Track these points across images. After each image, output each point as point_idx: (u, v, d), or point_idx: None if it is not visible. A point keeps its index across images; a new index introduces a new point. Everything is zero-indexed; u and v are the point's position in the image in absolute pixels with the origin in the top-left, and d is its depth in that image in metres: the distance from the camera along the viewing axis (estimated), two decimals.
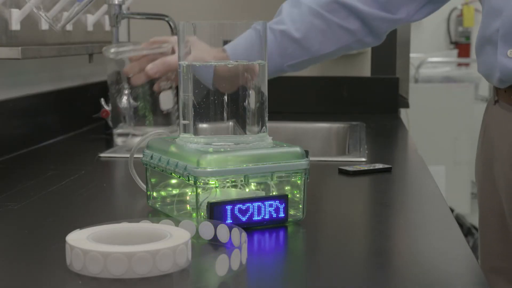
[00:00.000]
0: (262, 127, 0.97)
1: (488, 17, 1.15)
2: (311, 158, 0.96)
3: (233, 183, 0.91)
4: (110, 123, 1.56)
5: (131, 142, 1.35)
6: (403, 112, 2.40)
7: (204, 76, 0.96)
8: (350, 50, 1.21)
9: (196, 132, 0.96)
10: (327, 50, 1.16)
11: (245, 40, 1.04)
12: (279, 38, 1.12)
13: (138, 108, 1.38)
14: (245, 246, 0.78)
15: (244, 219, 0.90)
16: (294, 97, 2.22)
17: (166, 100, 1.35)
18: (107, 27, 2.03)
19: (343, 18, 1.15)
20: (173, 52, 1.30)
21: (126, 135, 1.39)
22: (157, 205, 1.02)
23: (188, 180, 0.90)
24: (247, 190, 0.95)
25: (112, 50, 1.35)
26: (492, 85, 1.24)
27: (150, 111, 1.38)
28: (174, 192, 1.00)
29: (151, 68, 1.24)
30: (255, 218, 0.91)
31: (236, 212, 0.90)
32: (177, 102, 1.37)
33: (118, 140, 1.37)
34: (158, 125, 1.38)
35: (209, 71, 0.96)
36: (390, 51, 2.30)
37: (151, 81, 1.33)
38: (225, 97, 0.95)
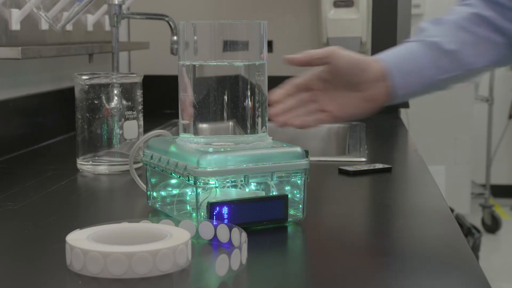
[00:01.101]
0: (262, 127, 0.97)
1: None
2: (311, 158, 0.96)
3: (233, 183, 0.91)
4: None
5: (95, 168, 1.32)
6: (403, 112, 2.40)
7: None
8: (501, 65, 1.15)
9: (196, 132, 0.96)
10: (480, 64, 1.10)
11: (405, 52, 1.05)
12: (430, 49, 1.07)
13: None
14: (245, 246, 0.78)
15: (244, 219, 0.90)
16: None
17: (130, 130, 1.32)
18: (107, 27, 2.03)
19: (489, 31, 1.10)
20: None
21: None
22: (157, 205, 1.02)
23: (188, 180, 0.90)
24: (247, 190, 0.95)
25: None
26: None
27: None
28: (174, 192, 1.00)
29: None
30: (255, 218, 0.91)
31: (236, 212, 0.89)
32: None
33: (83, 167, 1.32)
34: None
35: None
36: None
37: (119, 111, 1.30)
38: (225, 97, 0.95)
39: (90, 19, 1.91)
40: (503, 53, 1.10)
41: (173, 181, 0.99)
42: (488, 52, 1.09)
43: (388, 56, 1.06)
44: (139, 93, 1.34)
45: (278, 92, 1.04)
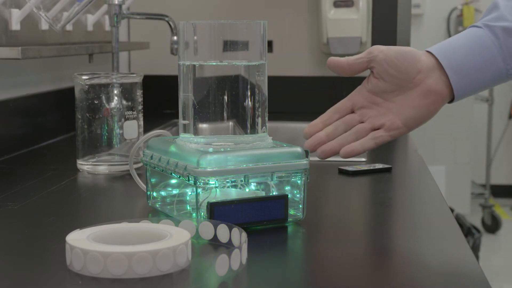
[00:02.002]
0: (262, 127, 0.97)
1: None
2: (311, 158, 0.96)
3: (233, 183, 0.91)
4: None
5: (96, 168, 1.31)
6: None
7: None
8: None
9: (196, 132, 0.97)
10: None
11: (464, 41, 0.92)
12: (502, 37, 0.92)
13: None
14: (245, 246, 0.78)
15: (244, 219, 0.90)
16: (294, 97, 2.22)
17: (130, 130, 1.32)
18: (107, 27, 2.03)
19: None
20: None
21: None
22: (157, 205, 1.02)
23: (188, 180, 0.90)
24: (247, 190, 0.95)
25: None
26: None
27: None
28: (174, 192, 1.00)
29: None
30: (255, 218, 0.91)
31: (236, 212, 0.89)
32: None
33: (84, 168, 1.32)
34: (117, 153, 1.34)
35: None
36: None
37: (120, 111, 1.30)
38: (225, 97, 0.95)
39: (90, 19, 1.91)
40: None
41: (173, 181, 0.99)
42: None
43: (441, 49, 0.94)
44: (139, 93, 1.34)
45: (314, 122, 0.94)
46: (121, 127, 1.31)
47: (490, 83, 0.95)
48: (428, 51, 0.94)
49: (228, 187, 0.91)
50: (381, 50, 0.93)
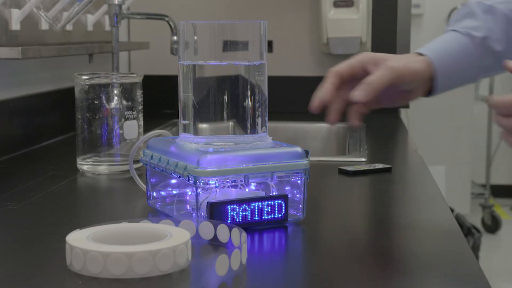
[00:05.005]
0: (262, 127, 0.97)
1: None
2: (311, 158, 0.96)
3: (233, 183, 0.91)
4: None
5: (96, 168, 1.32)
6: (403, 112, 2.41)
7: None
8: None
9: (196, 132, 0.97)
10: None
11: (452, 49, 1.01)
12: (478, 45, 1.01)
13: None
14: (245, 246, 0.78)
15: (244, 219, 0.90)
16: (294, 97, 2.22)
17: (130, 130, 1.32)
18: (107, 27, 2.03)
19: None
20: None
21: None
22: (157, 205, 1.02)
23: (188, 180, 0.90)
24: (247, 190, 0.95)
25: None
26: None
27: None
28: (174, 192, 1.00)
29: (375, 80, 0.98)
30: (255, 218, 0.91)
31: (236, 212, 0.90)
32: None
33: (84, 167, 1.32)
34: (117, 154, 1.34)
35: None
36: (390, 51, 2.29)
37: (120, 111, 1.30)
38: (225, 97, 0.95)
39: (90, 19, 1.91)
40: None
41: (173, 181, 0.99)
42: None
43: (437, 55, 1.01)
44: (139, 93, 1.34)
45: (326, 90, 0.99)
46: (121, 127, 1.31)
47: (461, 84, 1.05)
48: (431, 60, 1.01)
49: (228, 187, 0.91)
50: (405, 78, 0.99)
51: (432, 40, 1.05)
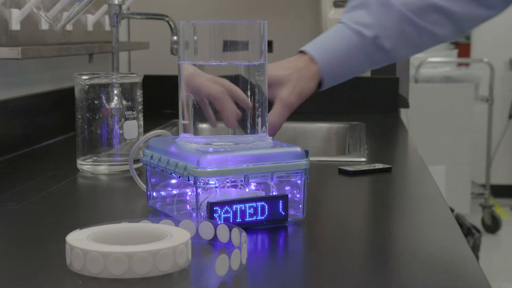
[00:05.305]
0: (262, 127, 0.97)
1: None
2: (311, 158, 0.96)
3: (233, 183, 0.91)
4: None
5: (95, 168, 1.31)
6: (403, 112, 2.40)
7: None
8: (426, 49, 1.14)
9: (196, 132, 0.96)
10: (409, 54, 1.11)
11: (342, 50, 1.04)
12: (368, 44, 1.04)
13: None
14: (245, 246, 0.78)
15: (244, 219, 0.90)
16: None
17: (130, 130, 1.32)
18: (107, 27, 2.03)
19: (435, 23, 1.06)
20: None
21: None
22: (157, 205, 1.02)
23: (188, 180, 0.90)
24: (247, 190, 0.95)
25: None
26: None
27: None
28: (174, 192, 1.00)
29: None
30: (255, 218, 0.91)
31: (236, 212, 0.89)
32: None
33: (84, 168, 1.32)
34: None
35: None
36: None
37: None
38: None
39: (90, 19, 1.91)
40: (438, 42, 1.10)
41: (173, 181, 0.99)
42: (423, 44, 1.09)
43: (326, 56, 1.06)
44: (139, 93, 1.34)
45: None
46: (121, 127, 1.31)
47: (349, 77, 1.11)
48: (316, 58, 1.07)
49: (228, 187, 0.91)
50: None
51: (327, 34, 1.09)
